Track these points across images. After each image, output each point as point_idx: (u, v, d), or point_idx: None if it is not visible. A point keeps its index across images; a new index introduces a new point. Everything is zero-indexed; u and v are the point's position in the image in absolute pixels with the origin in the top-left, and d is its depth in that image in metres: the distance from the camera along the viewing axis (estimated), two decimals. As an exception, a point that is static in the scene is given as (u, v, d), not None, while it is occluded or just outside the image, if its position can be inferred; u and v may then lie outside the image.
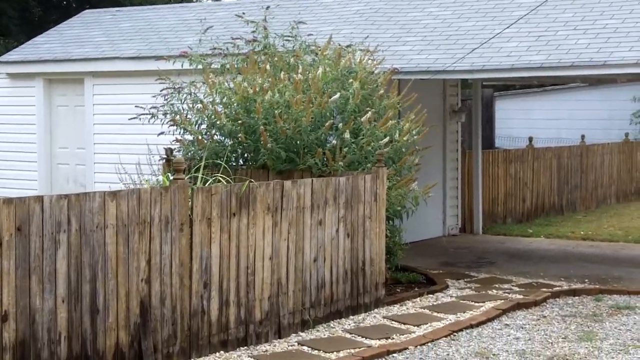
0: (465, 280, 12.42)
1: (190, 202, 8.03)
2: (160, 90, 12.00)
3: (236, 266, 8.50)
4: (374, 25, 14.52)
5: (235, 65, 11.63)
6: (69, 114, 16.71)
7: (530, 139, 19.58)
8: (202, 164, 9.26)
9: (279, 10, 15.23)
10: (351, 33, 13.95)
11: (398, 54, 13.24)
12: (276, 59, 11.79)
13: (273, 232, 8.86)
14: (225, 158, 11.07)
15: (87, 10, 19.79)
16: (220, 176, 9.04)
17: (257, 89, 10.88)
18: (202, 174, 9.25)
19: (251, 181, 8.66)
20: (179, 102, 11.80)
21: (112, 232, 7.50)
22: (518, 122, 30.21)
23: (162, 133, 11.84)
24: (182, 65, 12.17)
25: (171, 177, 8.15)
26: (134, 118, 12.18)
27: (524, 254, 14.84)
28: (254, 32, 12.43)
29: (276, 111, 10.60)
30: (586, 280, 12.46)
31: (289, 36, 12.43)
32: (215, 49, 12.34)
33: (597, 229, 17.62)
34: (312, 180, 9.34)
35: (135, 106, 12.25)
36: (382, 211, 10.37)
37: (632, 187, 23.08)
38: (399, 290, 11.53)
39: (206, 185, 8.73)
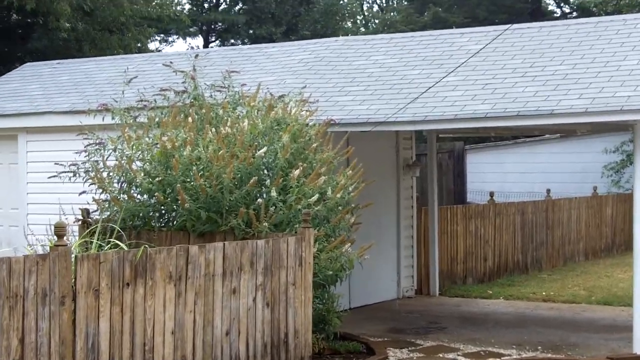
0: (410, 349, 11.53)
1: (74, 272, 7.14)
2: (85, 147, 11.20)
3: (130, 343, 7.59)
4: (317, 74, 13.75)
5: (156, 119, 10.81)
6: (3, 172, 15.84)
7: (492, 194, 18.78)
8: (99, 226, 8.38)
9: (221, 60, 14.49)
10: (292, 83, 13.17)
11: (339, 105, 12.46)
12: (204, 110, 11.00)
13: (176, 303, 7.96)
14: (144, 219, 10.31)
15: (27, 64, 19.00)
16: (115, 241, 8.16)
17: (177, 144, 10.07)
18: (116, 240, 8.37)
19: (146, 246, 7.76)
20: (101, 158, 10.99)
21: (-23, 307, 6.62)
22: (491, 175, 29.57)
23: (84, 192, 10.98)
24: (103, 119, 11.38)
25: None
26: (54, 176, 11.35)
27: (479, 317, 13.97)
28: (184, 82, 11.67)
29: (194, 167, 9.77)
30: (539, 347, 11.61)
31: (221, 86, 11.66)
32: (141, 101, 11.54)
33: (561, 289, 16.78)
34: (224, 244, 8.47)
35: (55, 163, 11.43)
36: (309, 277, 9.50)
37: (601, 243, 22.28)
38: (334, 361, 10.63)
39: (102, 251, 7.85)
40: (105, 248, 8.10)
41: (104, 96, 14.61)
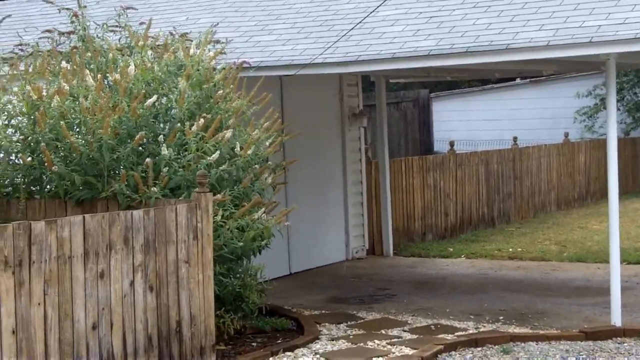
0: (348, 324, 9.82)
1: None
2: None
3: (-50, 350, 5.84)
4: (238, 12, 11.91)
5: (21, 65, 8.97)
6: None
7: (452, 144, 17.05)
8: None
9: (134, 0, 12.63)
10: (207, 22, 11.33)
11: (260, 45, 10.65)
12: (89, 54, 9.17)
13: (17, 295, 6.17)
14: (13, 186, 8.55)
15: None
16: None
17: (45, 93, 8.25)
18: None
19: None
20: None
21: None
22: (458, 124, 28.14)
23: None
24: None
25: None
26: None
27: (435, 281, 12.31)
28: (73, 22, 9.82)
29: (62, 122, 7.97)
30: (501, 317, 9.98)
31: (115, 26, 9.83)
32: (20, 45, 9.70)
33: (530, 244, 15.17)
34: (85, 217, 6.67)
35: None
36: (208, 251, 7.72)
37: (574, 192, 20.67)
38: (254, 344, 8.90)
39: None
40: None
41: (2, 43, 12.82)
